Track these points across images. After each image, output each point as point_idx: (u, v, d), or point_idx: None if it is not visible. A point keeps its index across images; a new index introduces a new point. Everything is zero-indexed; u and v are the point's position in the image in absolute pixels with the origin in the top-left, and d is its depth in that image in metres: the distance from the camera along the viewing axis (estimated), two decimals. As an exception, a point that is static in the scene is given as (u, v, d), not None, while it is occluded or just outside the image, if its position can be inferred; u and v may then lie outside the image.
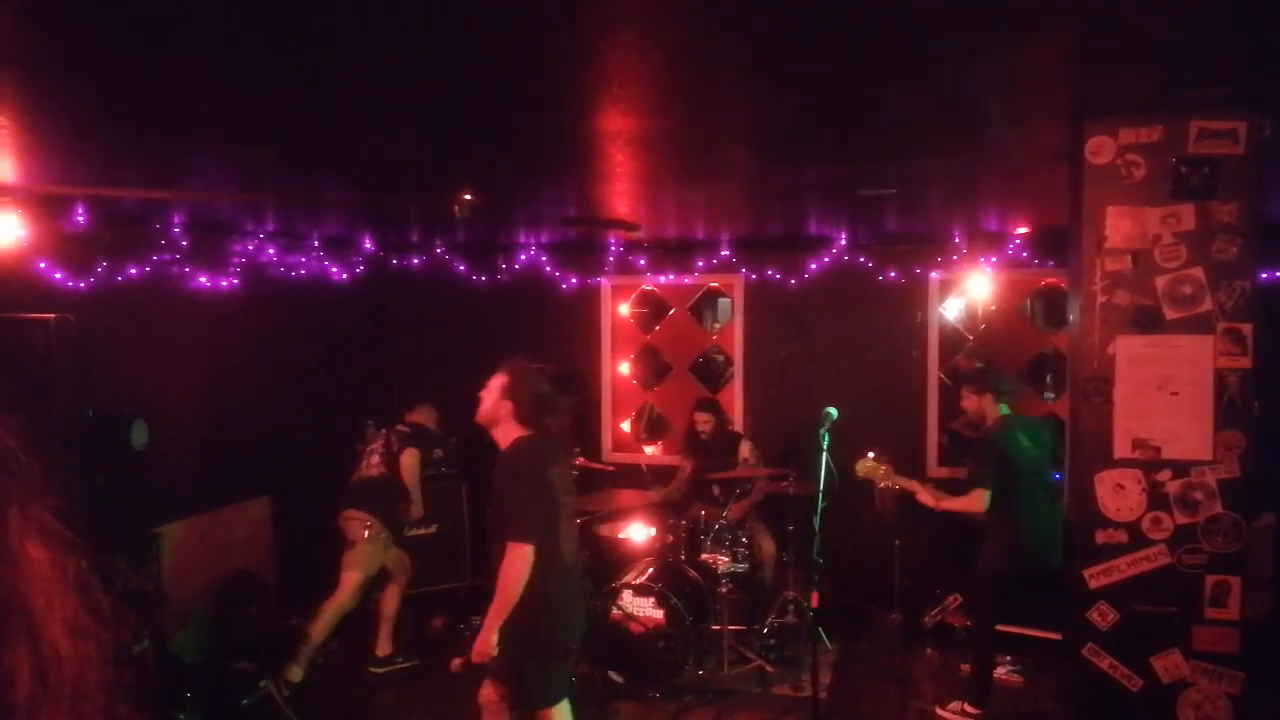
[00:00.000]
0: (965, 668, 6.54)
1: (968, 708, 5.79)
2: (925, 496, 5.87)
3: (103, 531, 5.25)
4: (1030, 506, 5.60)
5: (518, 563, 3.99)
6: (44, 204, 5.46)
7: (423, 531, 7.91)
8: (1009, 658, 6.58)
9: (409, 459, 6.61)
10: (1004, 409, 5.87)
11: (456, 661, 6.13)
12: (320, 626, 6.14)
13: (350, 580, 6.24)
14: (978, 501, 5.61)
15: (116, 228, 6.16)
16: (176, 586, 6.44)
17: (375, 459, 6.66)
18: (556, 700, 4.18)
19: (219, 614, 6.88)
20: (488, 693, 4.31)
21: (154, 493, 5.81)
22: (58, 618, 0.91)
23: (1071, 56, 3.10)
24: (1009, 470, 5.61)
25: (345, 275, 8.50)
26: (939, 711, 5.91)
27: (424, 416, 7.11)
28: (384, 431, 6.83)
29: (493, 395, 4.23)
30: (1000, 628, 5.86)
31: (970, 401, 5.98)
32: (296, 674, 6.01)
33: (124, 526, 5.51)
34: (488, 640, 4.00)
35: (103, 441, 5.42)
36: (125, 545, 5.53)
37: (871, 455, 5.97)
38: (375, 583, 6.60)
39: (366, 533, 6.30)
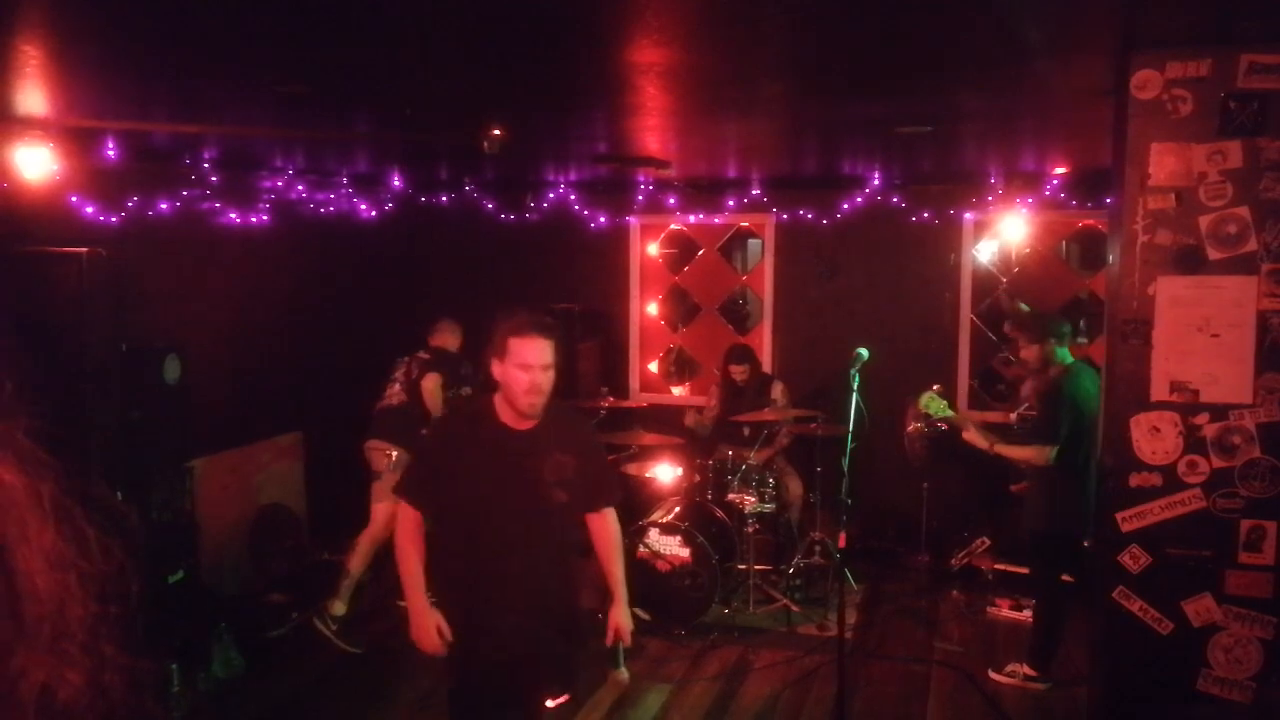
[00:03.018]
0: (993, 610, 6.57)
1: (1028, 669, 5.54)
2: (976, 438, 5.50)
3: (137, 464, 5.34)
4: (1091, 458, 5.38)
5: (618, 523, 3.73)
6: (74, 137, 5.44)
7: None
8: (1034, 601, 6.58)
9: (429, 383, 6.45)
10: (1066, 355, 5.46)
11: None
12: (358, 559, 6.21)
13: (381, 511, 6.23)
14: (1043, 456, 5.23)
15: (147, 162, 6.15)
16: (210, 520, 6.52)
17: (396, 387, 6.60)
18: None
19: (252, 547, 6.98)
20: None
21: (187, 427, 5.86)
22: (33, 548, 0.83)
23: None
24: (1079, 423, 5.22)
25: (374, 213, 8.47)
26: (993, 676, 5.64)
27: (445, 337, 6.90)
28: (405, 359, 6.73)
29: (552, 366, 3.35)
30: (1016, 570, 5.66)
31: (1029, 351, 5.49)
32: (339, 608, 6.10)
33: (158, 460, 5.58)
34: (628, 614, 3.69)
35: (136, 376, 5.45)
36: (159, 478, 5.60)
37: (937, 388, 5.75)
38: None
39: (390, 462, 6.26)
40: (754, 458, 6.83)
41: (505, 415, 3.38)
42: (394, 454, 6.28)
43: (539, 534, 3.44)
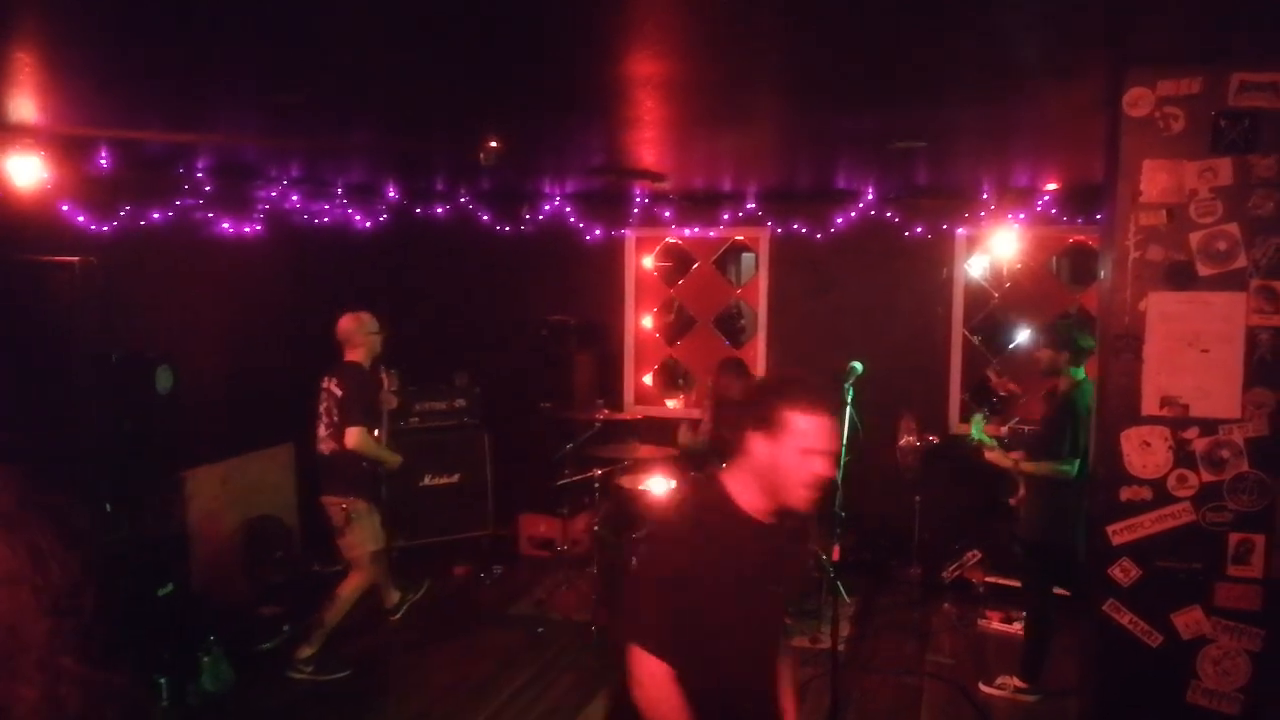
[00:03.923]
0: (984, 623, 6.58)
1: (1018, 682, 5.58)
2: (999, 458, 5.61)
3: (128, 475, 5.32)
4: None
5: None
6: (66, 145, 5.44)
7: (444, 480, 7.96)
8: (1024, 613, 6.58)
9: (354, 441, 5.70)
10: (1079, 371, 5.44)
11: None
12: (335, 612, 5.89)
13: (358, 569, 5.99)
14: (1064, 471, 5.25)
15: (140, 171, 6.14)
16: (201, 531, 6.51)
17: (323, 430, 5.94)
18: None
19: (243, 559, 6.96)
20: None
21: (179, 437, 5.83)
22: None
23: (1112, 3, 3.03)
24: (1084, 437, 5.25)
25: (369, 223, 8.47)
26: (984, 689, 5.68)
27: (357, 347, 6.03)
28: (324, 384, 5.99)
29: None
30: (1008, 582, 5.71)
31: (1042, 353, 5.55)
32: (306, 652, 5.83)
33: (149, 470, 5.55)
34: None
35: (128, 386, 5.44)
36: (150, 489, 5.58)
37: (985, 411, 5.80)
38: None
39: (346, 516, 5.88)
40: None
41: (749, 503, 2.62)
42: (345, 506, 5.87)
43: (778, 640, 2.84)
